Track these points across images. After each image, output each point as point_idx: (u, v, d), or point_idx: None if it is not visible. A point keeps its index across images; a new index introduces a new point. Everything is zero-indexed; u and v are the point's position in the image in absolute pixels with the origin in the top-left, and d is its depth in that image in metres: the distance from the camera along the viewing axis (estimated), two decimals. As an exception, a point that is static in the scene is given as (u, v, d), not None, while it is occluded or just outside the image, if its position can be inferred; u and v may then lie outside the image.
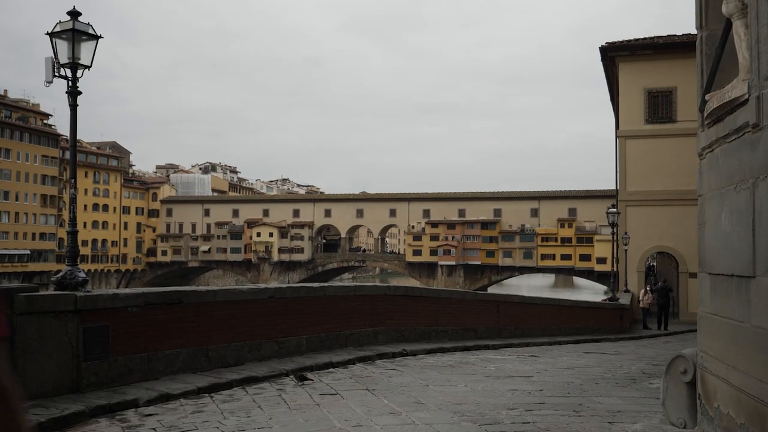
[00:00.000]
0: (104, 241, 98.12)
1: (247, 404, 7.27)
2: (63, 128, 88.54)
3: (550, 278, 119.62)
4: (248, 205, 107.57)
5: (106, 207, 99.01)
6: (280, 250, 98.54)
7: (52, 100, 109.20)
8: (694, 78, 5.19)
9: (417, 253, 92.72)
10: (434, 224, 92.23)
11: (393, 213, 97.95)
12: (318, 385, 8.41)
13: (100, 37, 8.78)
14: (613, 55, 33.62)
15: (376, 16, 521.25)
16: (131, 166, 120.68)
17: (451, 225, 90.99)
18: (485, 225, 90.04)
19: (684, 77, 30.20)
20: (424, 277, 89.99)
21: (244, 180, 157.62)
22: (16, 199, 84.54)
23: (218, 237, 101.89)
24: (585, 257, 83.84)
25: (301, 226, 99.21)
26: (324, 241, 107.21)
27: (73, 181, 8.81)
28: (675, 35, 32.77)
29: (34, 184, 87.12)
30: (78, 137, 8.96)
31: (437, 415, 6.62)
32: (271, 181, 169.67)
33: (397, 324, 13.06)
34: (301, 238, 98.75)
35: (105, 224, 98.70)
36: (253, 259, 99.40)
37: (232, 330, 9.38)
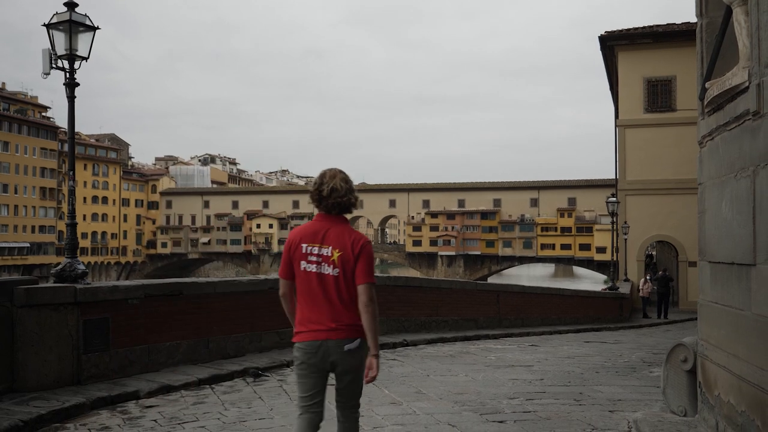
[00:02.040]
0: (104, 233, 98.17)
1: (248, 395, 7.28)
2: (61, 121, 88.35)
3: (550, 268, 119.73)
4: (248, 196, 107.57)
5: (105, 199, 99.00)
6: (280, 242, 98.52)
7: (51, 93, 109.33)
8: (693, 66, 5.17)
9: (417, 243, 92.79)
10: (434, 215, 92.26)
11: (393, 204, 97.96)
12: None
13: (98, 28, 8.74)
14: (612, 45, 33.52)
15: (376, 8, 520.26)
16: (130, 158, 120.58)
17: (450, 215, 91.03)
18: (485, 215, 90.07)
19: (683, 66, 30.14)
20: (424, 268, 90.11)
21: (244, 172, 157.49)
22: (15, 192, 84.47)
23: (218, 229, 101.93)
24: (585, 247, 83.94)
25: (301, 217, 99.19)
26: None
27: (71, 173, 8.79)
28: (674, 24, 32.68)
29: (33, 176, 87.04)
30: (76, 129, 8.93)
31: (438, 405, 6.63)
32: (271, 173, 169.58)
33: (398, 314, 13.06)
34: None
35: (104, 216, 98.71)
36: (253, 251, 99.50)
37: (233, 321, 9.39)
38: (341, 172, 3.96)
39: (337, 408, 4.10)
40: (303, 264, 3.87)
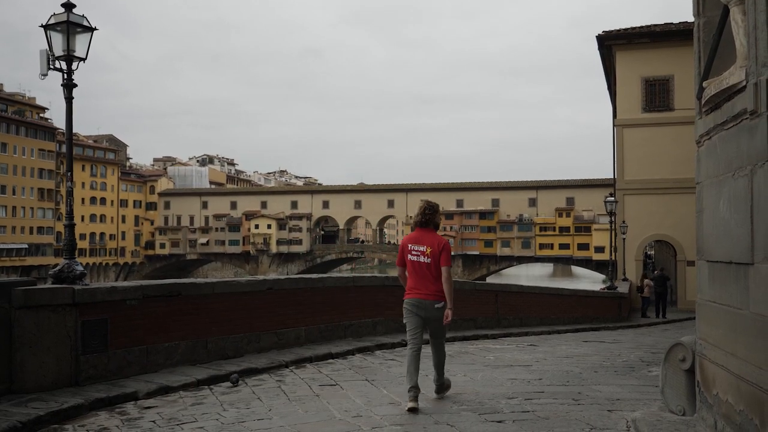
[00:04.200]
0: (102, 234, 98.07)
1: (247, 396, 7.28)
2: (59, 122, 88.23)
3: (549, 268, 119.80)
4: (246, 197, 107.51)
5: (103, 200, 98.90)
6: (279, 242, 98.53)
7: (49, 93, 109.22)
8: (691, 66, 5.18)
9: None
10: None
11: (391, 204, 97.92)
12: (317, 376, 8.42)
13: (95, 29, 8.73)
14: (610, 44, 33.55)
15: (376, 8, 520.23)
16: (128, 159, 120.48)
17: (449, 215, 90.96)
18: (483, 215, 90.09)
19: (681, 65, 30.17)
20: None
21: (242, 172, 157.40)
22: (13, 193, 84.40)
23: (216, 229, 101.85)
24: (583, 246, 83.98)
25: (300, 217, 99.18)
26: (322, 232, 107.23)
27: (69, 174, 8.78)
28: (671, 23, 32.72)
29: (31, 177, 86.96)
30: (74, 130, 8.92)
31: (437, 405, 6.63)
32: (269, 173, 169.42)
33: (396, 314, 12.94)
34: (300, 229, 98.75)
35: (103, 217, 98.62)
36: (251, 251, 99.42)
37: (231, 322, 9.38)
38: (423, 202, 6.79)
39: (430, 343, 6.85)
40: (410, 256, 6.62)
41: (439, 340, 6.84)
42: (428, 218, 6.68)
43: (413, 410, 6.25)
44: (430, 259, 6.50)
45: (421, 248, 6.55)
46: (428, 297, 6.52)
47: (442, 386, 6.98)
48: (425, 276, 6.52)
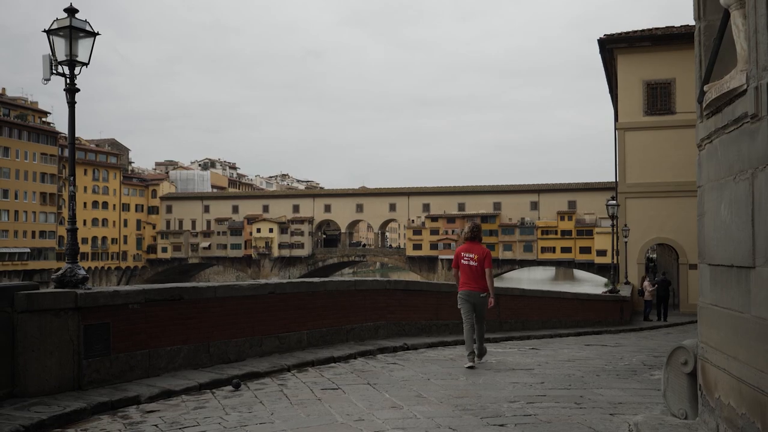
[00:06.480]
0: (104, 238, 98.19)
1: (249, 400, 7.28)
2: (61, 126, 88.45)
3: (551, 271, 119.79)
4: (248, 200, 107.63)
5: (105, 204, 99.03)
6: (280, 246, 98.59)
7: (51, 98, 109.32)
8: (692, 69, 5.18)
9: (417, 247, 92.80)
10: (434, 218, 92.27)
11: (393, 207, 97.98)
12: (319, 380, 8.42)
13: (98, 33, 8.75)
14: (612, 48, 33.57)
15: (375, 9, 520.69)
16: (130, 163, 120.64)
17: (450, 219, 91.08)
18: (485, 218, 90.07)
19: (682, 69, 30.20)
20: (424, 272, 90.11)
21: (244, 176, 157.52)
22: (16, 198, 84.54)
23: (218, 233, 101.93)
24: (585, 250, 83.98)
25: (301, 221, 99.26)
26: (324, 236, 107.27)
27: (72, 178, 8.79)
28: (673, 27, 32.74)
29: (34, 182, 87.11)
30: (76, 135, 8.94)
31: (439, 409, 6.63)
32: (271, 177, 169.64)
33: (398, 318, 13.05)
34: (301, 233, 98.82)
35: (105, 221, 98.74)
36: (253, 255, 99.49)
37: (233, 326, 9.38)
38: (470, 223, 10.03)
39: (475, 321, 9.56)
40: (463, 261, 9.52)
41: (480, 321, 9.65)
42: (474, 234, 9.68)
43: (471, 368, 9.24)
44: (477, 263, 9.42)
45: (471, 255, 9.48)
46: (476, 289, 9.41)
47: (482, 352, 9.92)
48: (473, 275, 9.43)
